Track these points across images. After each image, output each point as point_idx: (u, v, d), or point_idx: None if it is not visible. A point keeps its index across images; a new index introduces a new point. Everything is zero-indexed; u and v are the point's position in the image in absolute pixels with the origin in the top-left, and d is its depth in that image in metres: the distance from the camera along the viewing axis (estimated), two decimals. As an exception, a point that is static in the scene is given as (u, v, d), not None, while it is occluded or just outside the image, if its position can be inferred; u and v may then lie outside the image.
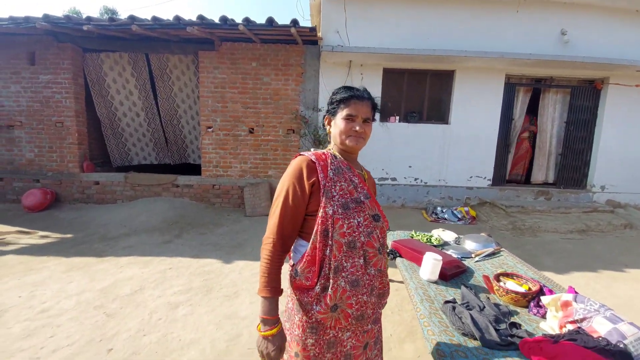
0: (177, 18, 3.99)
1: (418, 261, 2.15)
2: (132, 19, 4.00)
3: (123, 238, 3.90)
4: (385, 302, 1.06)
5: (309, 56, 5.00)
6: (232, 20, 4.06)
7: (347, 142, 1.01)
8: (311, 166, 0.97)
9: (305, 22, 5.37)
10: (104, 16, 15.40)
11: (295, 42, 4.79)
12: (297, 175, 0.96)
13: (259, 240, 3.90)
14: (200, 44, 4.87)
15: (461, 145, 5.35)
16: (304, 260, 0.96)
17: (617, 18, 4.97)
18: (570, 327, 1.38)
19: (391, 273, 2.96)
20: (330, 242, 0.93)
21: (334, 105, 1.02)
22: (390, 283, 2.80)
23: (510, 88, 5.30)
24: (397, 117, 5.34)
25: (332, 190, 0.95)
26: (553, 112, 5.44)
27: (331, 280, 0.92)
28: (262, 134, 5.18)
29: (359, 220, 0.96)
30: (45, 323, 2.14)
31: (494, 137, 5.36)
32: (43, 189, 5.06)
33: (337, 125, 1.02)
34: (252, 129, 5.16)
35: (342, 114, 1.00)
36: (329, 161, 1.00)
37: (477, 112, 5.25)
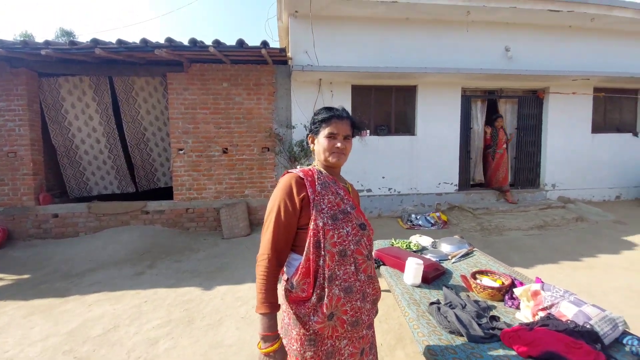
0: (145, 41, 3.94)
1: (401, 267, 2.23)
2: (96, 42, 3.89)
3: (89, 274, 3.61)
4: (377, 309, 1.11)
5: (280, 75, 5.13)
6: (202, 42, 4.09)
7: (329, 158, 1.08)
8: (300, 182, 1.03)
9: (274, 43, 5.52)
10: (60, 39, 14.66)
11: (265, 62, 4.90)
12: (287, 192, 1.01)
13: (239, 263, 3.80)
14: (169, 66, 4.81)
15: (428, 154, 5.68)
16: (299, 272, 0.99)
17: (553, 33, 5.68)
18: (541, 314, 1.51)
19: (375, 282, 3.02)
20: (322, 252, 0.97)
21: (317, 125, 1.10)
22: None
23: (467, 100, 5.78)
24: (368, 131, 5.57)
25: (321, 203, 1.01)
26: (505, 120, 5.99)
27: (326, 289, 0.96)
28: (237, 154, 5.14)
29: (347, 229, 1.01)
30: (4, 376, 1.91)
31: (456, 145, 5.76)
32: (-9, 227, 4.57)
33: (320, 143, 1.09)
34: (226, 148, 5.11)
35: (324, 132, 1.07)
36: (315, 177, 1.06)
37: (439, 122, 5.64)
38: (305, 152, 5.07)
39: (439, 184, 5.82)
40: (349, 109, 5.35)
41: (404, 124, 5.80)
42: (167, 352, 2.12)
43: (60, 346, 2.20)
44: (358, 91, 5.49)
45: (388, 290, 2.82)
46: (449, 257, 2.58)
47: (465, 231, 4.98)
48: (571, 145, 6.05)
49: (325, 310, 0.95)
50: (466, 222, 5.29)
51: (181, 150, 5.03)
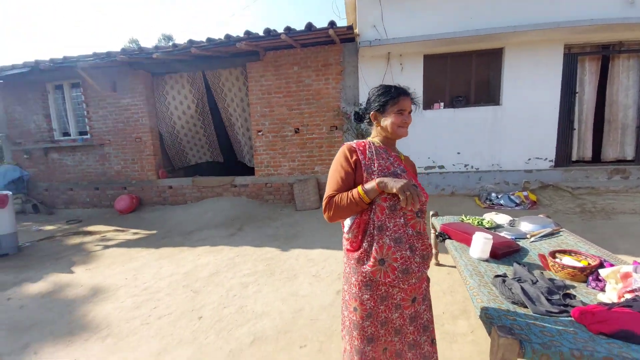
0: (227, 36, 4.48)
1: (468, 242, 2.19)
2: (191, 42, 4.60)
3: (196, 232, 4.53)
4: (429, 264, 1.21)
5: (347, 53, 5.16)
6: (275, 31, 4.41)
7: (397, 131, 1.21)
8: (352, 149, 1.21)
9: (341, 21, 5.51)
10: (161, 42, 17.37)
11: (333, 42, 4.98)
12: (342, 155, 1.21)
13: (310, 231, 4.21)
14: (248, 56, 5.35)
15: (516, 126, 5.02)
16: (355, 223, 1.17)
17: None
18: (628, 296, 1.36)
19: (442, 258, 3.01)
20: (373, 206, 1.13)
21: (382, 103, 1.21)
22: (442, 268, 2.86)
23: (571, 59, 4.81)
24: (442, 104, 5.21)
25: (372, 166, 1.17)
26: (626, 81, 4.79)
27: (376, 237, 1.12)
28: (307, 133, 5.49)
29: None
30: (148, 298, 2.67)
31: (554, 114, 4.92)
32: (130, 195, 6.04)
33: (388, 118, 1.21)
34: (298, 128, 5.50)
35: (393, 109, 1.19)
36: (367, 147, 1.22)
37: (531, 89, 4.87)
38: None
39: (529, 159, 5.14)
40: (420, 80, 5.10)
41: (485, 93, 5.21)
42: (255, 294, 2.61)
43: (180, 281, 2.93)
44: (431, 61, 5.13)
45: (454, 267, 2.80)
46: (528, 236, 2.39)
47: (560, 213, 4.36)
48: None
49: (375, 255, 1.11)
50: (562, 203, 4.61)
51: (260, 132, 5.63)
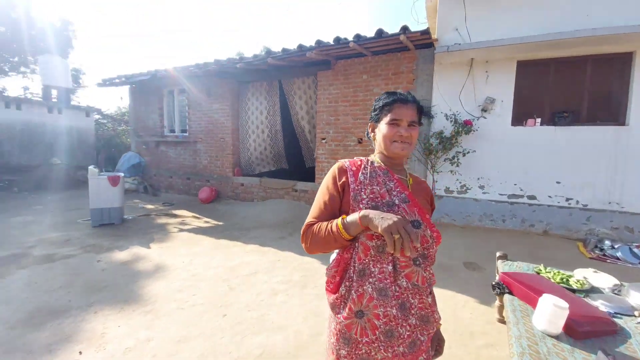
0: (300, 46, 4.66)
1: (534, 304, 1.68)
2: (268, 53, 4.96)
3: (253, 230, 4.82)
4: (433, 331, 0.92)
5: (421, 61, 4.74)
6: (345, 39, 4.37)
7: (391, 148, 0.97)
8: (342, 169, 1.01)
9: (420, 25, 5.12)
10: (262, 53, 19.57)
11: (407, 49, 4.65)
12: (331, 175, 1.02)
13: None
14: (320, 65, 5.46)
15: (651, 154, 3.75)
16: (335, 260, 0.98)
17: None
18: None
19: (495, 311, 2.40)
20: (356, 243, 0.91)
21: (377, 111, 1.01)
22: (497, 323, 2.30)
23: None
24: (539, 120, 4.29)
25: (361, 193, 0.94)
26: None
27: (355, 284, 0.90)
28: (370, 144, 5.23)
29: None
30: (192, 284, 2.93)
31: None
32: (211, 187, 6.88)
33: (381, 130, 1.00)
34: (361, 139, 5.32)
35: (386, 119, 0.97)
36: (362, 166, 1.00)
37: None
38: (444, 145, 4.52)
39: (670, 201, 3.77)
40: (510, 91, 4.34)
41: (605, 110, 4.07)
42: (280, 304, 2.57)
43: (222, 275, 3.13)
44: (527, 68, 4.28)
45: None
46: (635, 314, 1.69)
47: None
48: None
49: (352, 306, 0.89)
50: None
51: (324, 139, 5.67)
